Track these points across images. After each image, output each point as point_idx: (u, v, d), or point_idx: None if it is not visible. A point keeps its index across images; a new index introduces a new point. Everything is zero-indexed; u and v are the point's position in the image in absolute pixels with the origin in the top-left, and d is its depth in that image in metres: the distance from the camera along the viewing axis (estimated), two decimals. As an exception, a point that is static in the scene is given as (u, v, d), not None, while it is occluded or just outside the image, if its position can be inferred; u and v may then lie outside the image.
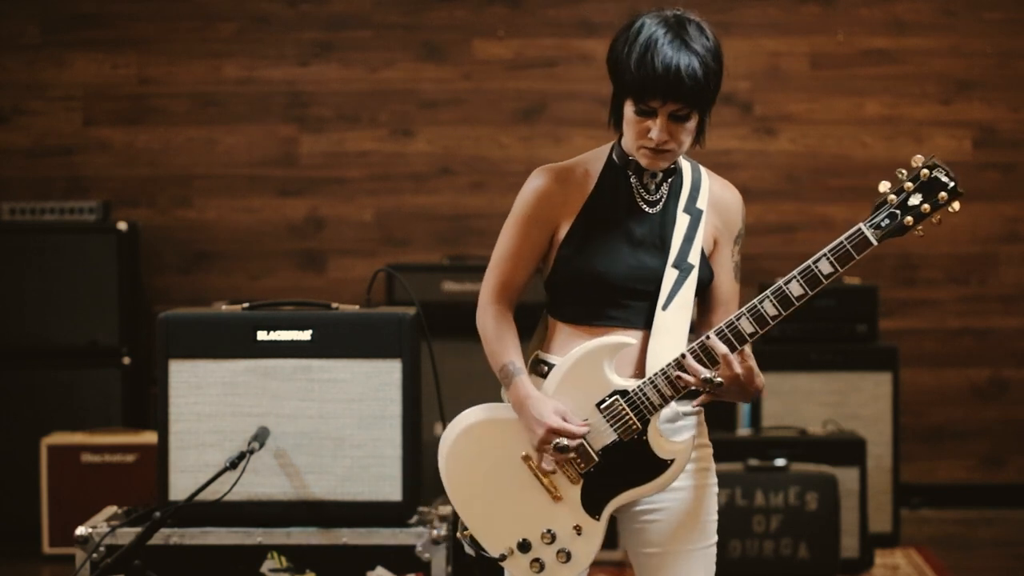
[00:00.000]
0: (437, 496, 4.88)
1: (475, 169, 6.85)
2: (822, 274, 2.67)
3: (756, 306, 2.70)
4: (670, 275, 2.79)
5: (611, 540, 3.85)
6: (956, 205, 2.67)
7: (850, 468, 5.57)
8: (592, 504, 2.80)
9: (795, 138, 6.75)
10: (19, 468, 5.91)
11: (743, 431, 5.79)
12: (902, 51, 6.82)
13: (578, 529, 2.81)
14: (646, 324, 2.79)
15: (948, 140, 6.82)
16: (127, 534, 3.56)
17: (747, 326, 2.69)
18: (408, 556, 3.62)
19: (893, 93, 6.82)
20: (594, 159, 2.87)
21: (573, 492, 2.80)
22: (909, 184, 2.63)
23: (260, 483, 3.63)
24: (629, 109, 2.75)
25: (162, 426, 3.66)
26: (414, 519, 3.69)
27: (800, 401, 5.96)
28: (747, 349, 2.72)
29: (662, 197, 2.85)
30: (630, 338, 2.78)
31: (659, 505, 2.83)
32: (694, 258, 2.79)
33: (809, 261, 2.68)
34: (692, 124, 2.76)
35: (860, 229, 2.66)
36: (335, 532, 3.62)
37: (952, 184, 2.64)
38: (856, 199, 6.78)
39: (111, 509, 3.81)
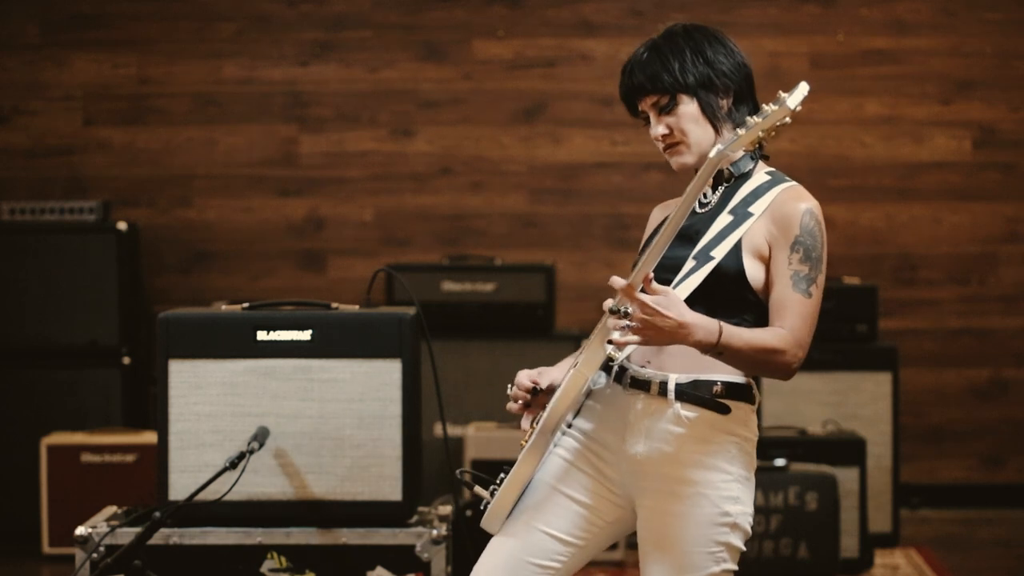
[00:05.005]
0: (437, 496, 4.89)
1: (475, 169, 6.85)
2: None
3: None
4: (687, 265, 2.80)
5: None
6: (778, 114, 2.59)
7: (850, 468, 5.57)
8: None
9: (795, 138, 6.75)
10: (19, 468, 5.91)
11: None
12: (902, 51, 6.82)
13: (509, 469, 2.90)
14: None
15: (948, 140, 6.82)
16: (127, 534, 3.56)
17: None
18: (408, 556, 3.62)
19: (893, 93, 6.82)
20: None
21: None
22: (764, 107, 2.63)
23: (260, 483, 3.63)
24: None
25: (162, 426, 3.66)
26: (414, 519, 3.69)
27: (800, 401, 5.96)
28: (656, 287, 2.66)
29: (713, 200, 2.87)
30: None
31: (649, 524, 2.81)
32: (719, 252, 2.77)
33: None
34: (688, 109, 2.83)
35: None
36: (335, 532, 3.62)
37: (782, 94, 2.59)
38: (856, 199, 6.79)
39: (111, 509, 3.81)
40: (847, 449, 5.62)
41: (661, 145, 2.86)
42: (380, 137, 6.85)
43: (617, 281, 2.65)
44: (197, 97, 6.84)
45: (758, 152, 2.90)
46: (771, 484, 5.23)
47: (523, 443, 2.89)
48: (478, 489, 2.94)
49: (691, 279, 2.77)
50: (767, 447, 5.47)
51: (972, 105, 6.82)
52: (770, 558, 5.21)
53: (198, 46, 6.84)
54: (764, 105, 2.63)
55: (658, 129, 2.85)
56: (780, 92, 2.61)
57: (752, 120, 2.62)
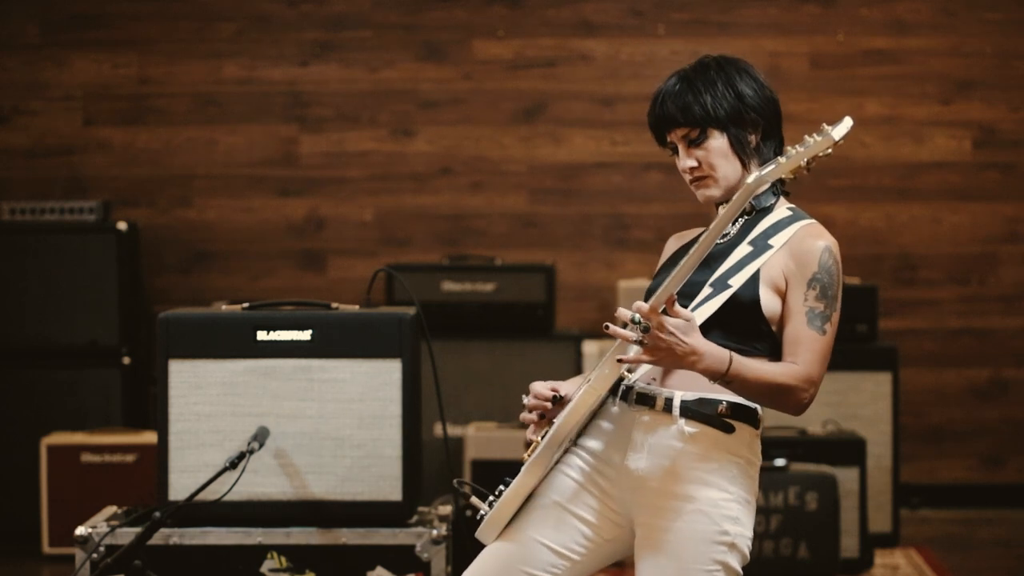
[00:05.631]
0: (437, 496, 4.89)
1: (475, 169, 6.85)
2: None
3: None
4: (704, 292, 2.80)
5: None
6: (822, 144, 2.64)
7: (850, 468, 5.57)
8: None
9: (795, 138, 6.72)
10: (19, 468, 5.91)
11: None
12: (902, 51, 6.82)
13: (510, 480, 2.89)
14: None
15: (948, 140, 6.82)
16: (127, 534, 3.56)
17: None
18: (408, 556, 3.62)
19: (893, 93, 6.82)
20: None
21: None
22: (807, 137, 2.67)
23: (260, 483, 3.64)
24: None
25: (162, 426, 3.66)
26: (414, 519, 3.69)
27: (800, 401, 5.95)
28: (679, 311, 2.67)
29: (732, 231, 2.88)
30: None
31: (646, 541, 2.80)
32: (737, 281, 2.78)
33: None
34: (717, 144, 2.85)
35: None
36: (335, 532, 3.62)
37: (825, 126, 2.64)
38: (856, 199, 6.79)
39: (111, 509, 3.81)
40: (847, 449, 5.62)
41: (688, 177, 2.88)
42: (380, 137, 6.85)
43: (641, 307, 2.65)
44: (197, 97, 6.84)
45: (780, 188, 2.92)
46: (771, 484, 5.23)
47: (526, 456, 2.89)
48: (474, 500, 2.93)
49: (707, 305, 2.78)
50: (767, 447, 5.47)
51: (972, 105, 6.81)
52: (770, 558, 5.20)
53: (198, 46, 6.84)
54: (807, 136, 2.66)
55: (687, 162, 2.86)
56: (824, 124, 2.64)
57: (793, 150, 2.65)
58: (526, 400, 2.91)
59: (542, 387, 2.90)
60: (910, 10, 6.82)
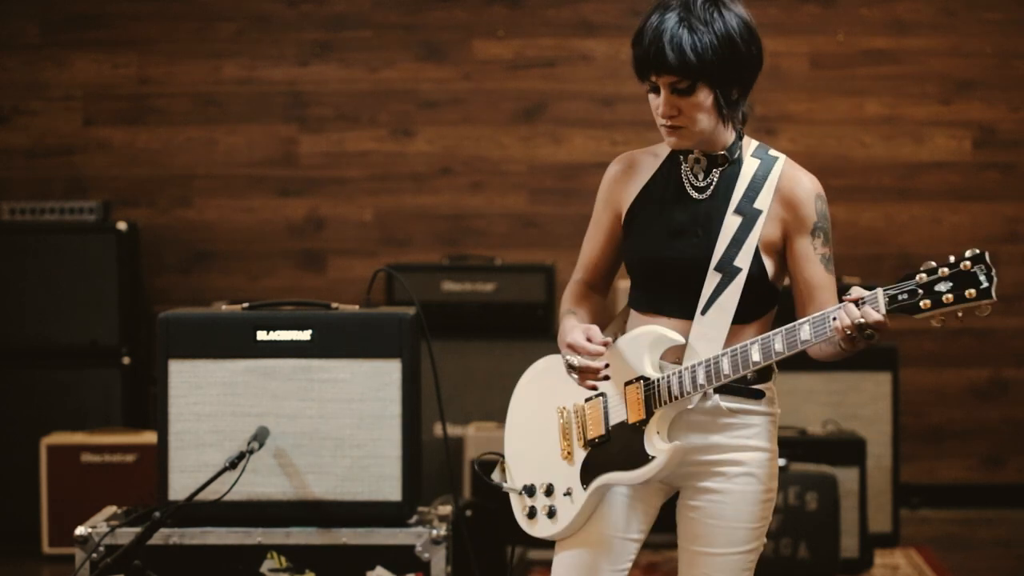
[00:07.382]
0: (437, 496, 4.89)
1: (475, 169, 6.85)
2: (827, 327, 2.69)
3: (769, 337, 2.71)
4: (712, 278, 2.79)
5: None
6: (984, 307, 2.55)
7: (850, 468, 5.57)
8: (586, 473, 2.88)
9: (795, 138, 6.75)
10: (19, 468, 5.91)
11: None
12: (902, 51, 6.82)
13: (569, 492, 2.90)
14: (690, 315, 2.80)
15: (948, 140, 6.82)
16: (127, 534, 3.57)
17: (756, 354, 2.72)
18: (408, 556, 3.62)
19: (893, 93, 6.82)
20: (666, 145, 2.86)
21: (579, 456, 2.89)
22: (945, 269, 2.56)
23: (260, 483, 3.64)
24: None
25: (162, 426, 3.66)
26: (414, 519, 3.70)
27: (800, 401, 5.96)
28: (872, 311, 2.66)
29: (711, 184, 2.83)
30: (678, 335, 2.79)
31: (696, 503, 2.86)
32: (743, 261, 2.77)
33: (827, 311, 2.70)
34: (702, 99, 2.74)
35: (876, 293, 2.65)
36: (335, 532, 3.63)
37: (985, 285, 2.53)
38: (856, 199, 6.79)
39: (111, 509, 3.81)
40: (847, 449, 5.62)
41: (663, 121, 2.77)
42: (380, 137, 6.85)
43: (879, 320, 2.65)
44: (197, 97, 6.84)
45: (740, 130, 2.85)
46: (771, 484, 5.23)
47: (567, 454, 2.90)
48: (506, 487, 2.96)
49: (725, 296, 2.78)
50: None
51: (972, 105, 6.81)
52: (770, 558, 5.20)
53: (198, 46, 6.84)
54: (944, 271, 2.63)
55: (664, 108, 2.75)
56: (969, 265, 2.60)
57: (947, 299, 2.61)
58: (573, 359, 2.79)
59: (585, 340, 2.79)
60: (910, 10, 6.82)
